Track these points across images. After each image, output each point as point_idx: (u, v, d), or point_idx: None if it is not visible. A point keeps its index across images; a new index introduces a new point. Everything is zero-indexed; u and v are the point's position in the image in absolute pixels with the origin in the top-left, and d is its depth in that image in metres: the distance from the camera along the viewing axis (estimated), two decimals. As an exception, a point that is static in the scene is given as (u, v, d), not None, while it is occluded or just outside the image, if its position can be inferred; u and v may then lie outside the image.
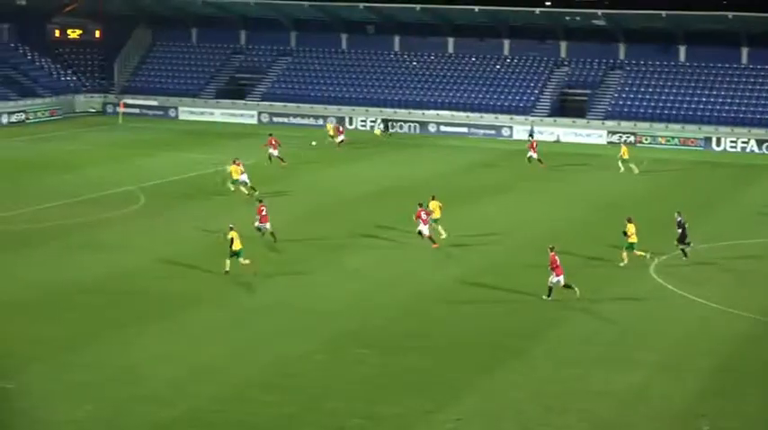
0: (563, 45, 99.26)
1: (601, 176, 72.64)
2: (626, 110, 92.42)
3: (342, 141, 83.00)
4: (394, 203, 60.36)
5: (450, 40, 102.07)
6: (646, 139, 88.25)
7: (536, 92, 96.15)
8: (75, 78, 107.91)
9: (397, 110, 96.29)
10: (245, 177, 61.93)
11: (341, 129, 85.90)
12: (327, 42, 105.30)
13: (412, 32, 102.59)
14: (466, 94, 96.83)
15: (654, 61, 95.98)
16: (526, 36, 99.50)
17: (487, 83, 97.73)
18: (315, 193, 63.78)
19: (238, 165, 62.30)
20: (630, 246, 47.76)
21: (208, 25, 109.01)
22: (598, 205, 62.05)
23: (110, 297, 42.46)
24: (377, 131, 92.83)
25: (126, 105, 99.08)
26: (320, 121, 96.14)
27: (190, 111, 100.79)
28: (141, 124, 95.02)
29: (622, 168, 73.19)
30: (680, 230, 49.03)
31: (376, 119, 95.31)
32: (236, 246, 45.32)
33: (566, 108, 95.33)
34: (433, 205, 52.44)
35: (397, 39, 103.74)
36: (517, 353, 36.87)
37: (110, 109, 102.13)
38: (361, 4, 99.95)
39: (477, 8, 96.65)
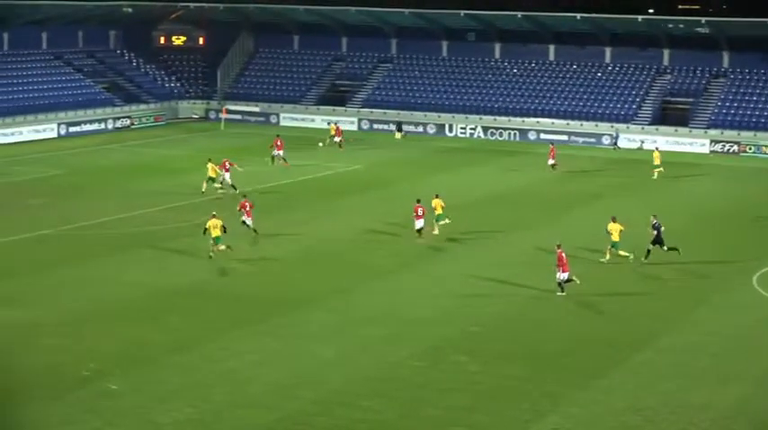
0: (665, 53, 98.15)
1: (702, 186, 71.74)
2: (729, 119, 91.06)
3: (341, 141, 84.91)
4: (494, 211, 60.27)
5: (552, 48, 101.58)
6: (750, 148, 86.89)
7: (637, 100, 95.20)
8: (178, 85, 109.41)
9: (497, 117, 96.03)
10: (227, 176, 64.05)
11: (340, 129, 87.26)
12: (428, 49, 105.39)
13: (513, 39, 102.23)
14: (566, 102, 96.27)
15: (759, 69, 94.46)
16: (628, 44, 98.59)
17: (588, 90, 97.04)
18: (422, 200, 63.73)
19: (223, 166, 64.40)
20: (614, 245, 48.50)
21: (310, 32, 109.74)
22: (699, 215, 61.20)
23: (211, 301, 42.94)
24: (397, 135, 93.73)
25: (228, 111, 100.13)
26: (420, 128, 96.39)
27: (291, 118, 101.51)
28: (243, 130, 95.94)
29: (655, 174, 73.07)
30: (655, 232, 49.12)
31: (397, 122, 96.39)
32: (215, 233, 48.26)
33: (667, 116, 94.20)
34: (435, 203, 54.08)
35: (497, 46, 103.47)
36: (617, 362, 36.53)
37: (212, 115, 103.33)
38: (462, 12, 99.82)
39: (578, 15, 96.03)
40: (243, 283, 45.62)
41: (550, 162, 75.34)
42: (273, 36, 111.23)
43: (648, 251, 49.29)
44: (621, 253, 48.66)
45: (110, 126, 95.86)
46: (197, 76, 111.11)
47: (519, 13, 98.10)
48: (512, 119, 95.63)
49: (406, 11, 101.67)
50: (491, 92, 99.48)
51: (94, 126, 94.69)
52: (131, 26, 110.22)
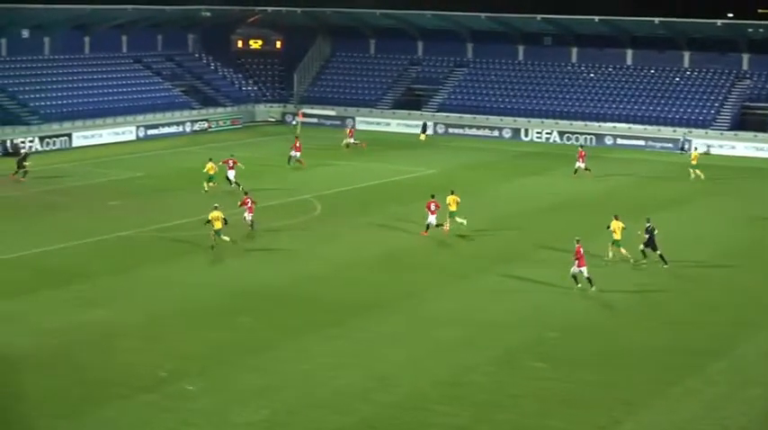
0: (745, 57, 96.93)
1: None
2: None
3: (352, 143, 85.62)
4: (570, 217, 59.91)
5: (629, 52, 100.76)
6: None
7: (716, 105, 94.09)
8: (255, 88, 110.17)
9: (573, 122, 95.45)
10: (232, 174, 66.36)
11: (351, 131, 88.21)
12: (504, 54, 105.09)
13: (589, 44, 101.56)
14: (644, 107, 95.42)
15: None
16: (707, 48, 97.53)
17: (666, 95, 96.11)
18: (493, 205, 63.64)
19: (226, 163, 66.99)
20: (615, 243, 49.23)
21: (386, 36, 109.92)
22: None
23: (287, 303, 43.11)
24: (422, 137, 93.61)
25: (304, 115, 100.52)
26: (495, 132, 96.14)
27: (366, 122, 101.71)
28: (319, 134, 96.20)
29: (692, 175, 72.96)
30: (647, 236, 49.19)
31: (423, 123, 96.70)
32: (217, 225, 50.27)
33: (747, 122, 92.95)
34: (451, 199, 55.27)
35: (574, 50, 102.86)
36: (695, 369, 36.08)
37: (289, 118, 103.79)
38: (539, 16, 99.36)
39: (656, 20, 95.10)
40: (317, 286, 45.73)
41: (580, 165, 74.58)
42: (350, 40, 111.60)
43: (643, 253, 49.39)
44: (623, 251, 49.26)
45: (187, 129, 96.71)
46: (274, 80, 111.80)
47: (596, 17, 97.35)
48: (588, 123, 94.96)
49: (483, 15, 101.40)
50: (567, 96, 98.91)
51: (172, 129, 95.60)
52: (210, 30, 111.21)
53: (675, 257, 49.55)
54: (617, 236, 49.45)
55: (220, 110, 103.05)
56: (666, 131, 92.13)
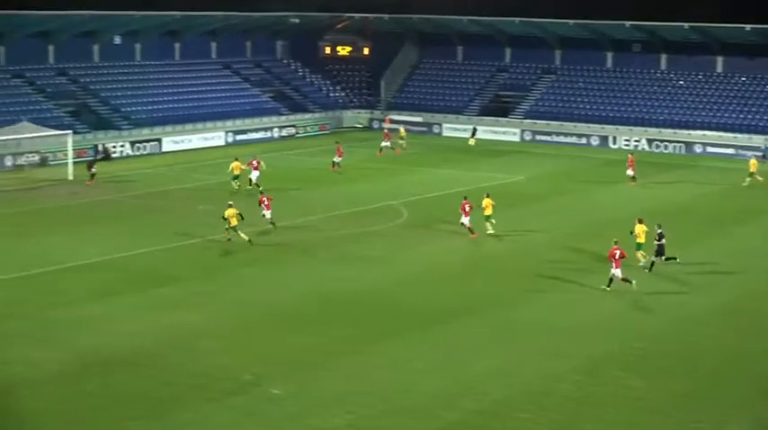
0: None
1: None
2: None
3: (387, 148, 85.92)
4: (665, 226, 59.36)
5: (719, 59, 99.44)
6: None
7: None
8: (343, 94, 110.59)
9: (662, 129, 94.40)
10: (255, 175, 67.96)
11: (387, 133, 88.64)
12: (592, 60, 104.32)
13: (679, 51, 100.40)
14: (734, 115, 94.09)
15: None
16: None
17: (758, 103, 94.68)
18: (579, 212, 63.25)
19: (251, 164, 68.82)
20: (639, 246, 49.11)
21: (473, 43, 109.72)
22: None
23: (373, 309, 43.14)
24: (471, 141, 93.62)
25: (391, 121, 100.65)
26: (583, 140, 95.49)
27: (453, 128, 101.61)
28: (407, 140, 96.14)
29: (747, 182, 72.49)
30: (657, 242, 48.85)
31: (473, 127, 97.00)
32: (233, 222, 52.33)
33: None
34: (486, 202, 55.98)
35: (663, 57, 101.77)
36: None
37: (376, 124, 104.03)
38: (628, 23, 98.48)
39: (748, 27, 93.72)
40: (403, 292, 45.70)
41: (629, 173, 73.77)
42: (437, 46, 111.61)
43: (652, 263, 48.95)
44: (641, 254, 49.13)
45: (275, 134, 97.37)
46: (361, 86, 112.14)
47: (686, 24, 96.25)
48: (677, 131, 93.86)
49: (571, 21, 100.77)
50: (656, 104, 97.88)
51: (260, 134, 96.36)
52: (298, 37, 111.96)
53: (754, 268, 48.79)
54: (640, 239, 49.49)
55: (308, 116, 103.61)
56: (758, 140, 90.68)
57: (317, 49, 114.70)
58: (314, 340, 38.90)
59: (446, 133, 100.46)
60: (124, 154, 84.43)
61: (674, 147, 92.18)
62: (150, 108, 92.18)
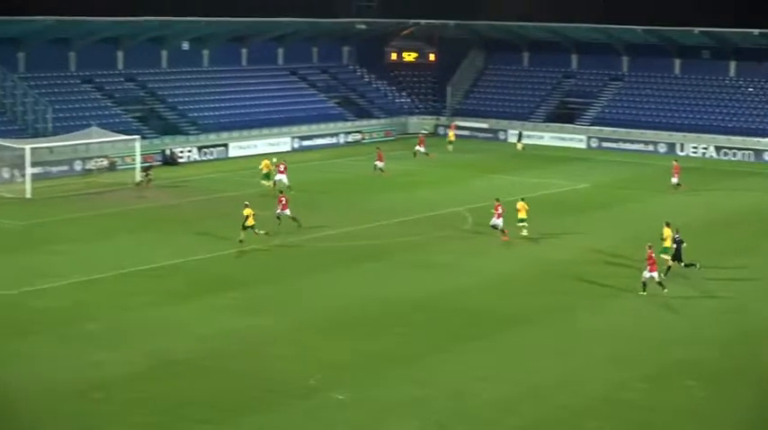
0: None
1: None
2: None
3: (422, 152, 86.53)
4: (725, 233, 58.89)
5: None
6: None
7: None
8: (408, 100, 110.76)
9: (731, 137, 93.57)
10: (283, 177, 69.23)
11: (422, 139, 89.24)
12: (660, 67, 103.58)
13: (749, 57, 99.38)
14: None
15: None
16: None
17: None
18: (646, 220, 62.84)
19: (278, 166, 70.22)
20: (665, 250, 49.07)
21: (540, 49, 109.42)
22: None
23: (437, 315, 43.23)
24: (518, 146, 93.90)
25: (457, 127, 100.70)
26: (650, 147, 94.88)
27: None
28: (471, 146, 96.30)
29: None
30: (675, 246, 48.99)
31: (518, 131, 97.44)
32: (249, 221, 53.48)
33: None
34: (520, 206, 57.12)
35: (732, 64, 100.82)
36: None
37: (441, 131, 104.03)
38: (697, 29, 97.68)
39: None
40: (468, 298, 45.75)
41: (674, 181, 73.22)
42: (503, 52, 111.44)
43: (668, 267, 48.73)
44: (667, 257, 48.88)
45: (341, 140, 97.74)
46: (427, 92, 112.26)
47: (756, 31, 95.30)
48: (746, 139, 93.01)
49: (639, 28, 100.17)
50: (725, 111, 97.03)
51: (326, 140, 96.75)
52: (364, 42, 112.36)
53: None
54: (667, 243, 49.46)
55: (374, 121, 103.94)
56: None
57: (384, 54, 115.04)
58: (379, 346, 39.09)
59: (512, 139, 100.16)
60: (191, 159, 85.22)
61: (743, 154, 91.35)
62: (217, 113, 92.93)
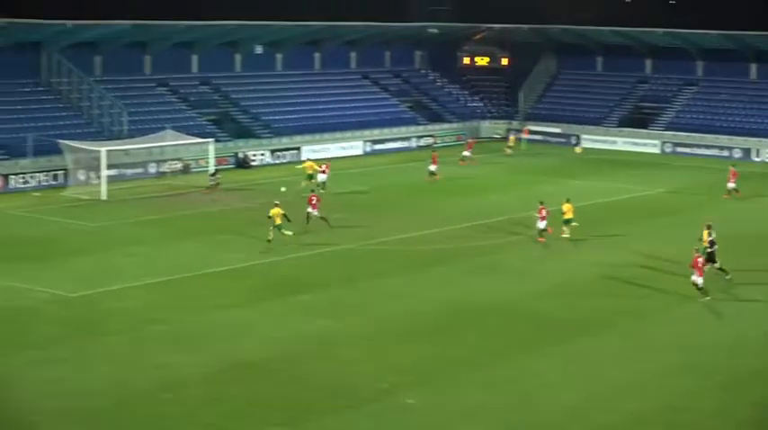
0: None
1: None
2: None
3: (468, 157, 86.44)
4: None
5: None
6: None
7: None
8: (481, 104, 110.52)
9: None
10: (324, 177, 71.23)
11: (471, 144, 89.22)
12: (735, 72, 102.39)
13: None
14: None
15: None
16: None
17: None
18: (721, 226, 62.20)
19: (321, 167, 72.29)
20: (703, 252, 48.49)
21: (614, 54, 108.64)
22: None
23: (509, 320, 43.07)
24: (577, 149, 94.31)
25: (529, 132, 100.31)
26: (725, 152, 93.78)
27: (592, 139, 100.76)
28: (544, 151, 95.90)
29: None
30: (709, 250, 48.75)
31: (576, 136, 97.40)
32: (277, 221, 54.03)
33: None
34: (566, 207, 57.90)
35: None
36: None
37: (513, 135, 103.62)
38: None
39: None
40: (539, 304, 45.49)
41: (730, 185, 72.24)
42: (577, 57, 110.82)
43: (720, 269, 48.53)
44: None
45: (413, 144, 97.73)
46: (499, 97, 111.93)
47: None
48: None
49: (714, 32, 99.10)
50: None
51: (398, 144, 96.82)
52: (437, 47, 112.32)
53: None
54: (706, 245, 49.42)
55: (446, 125, 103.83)
56: None
57: (456, 59, 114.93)
58: (448, 351, 38.98)
59: (584, 144, 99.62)
60: (264, 162, 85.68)
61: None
62: (290, 117, 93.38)
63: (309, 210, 59.14)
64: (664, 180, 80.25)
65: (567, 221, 57.75)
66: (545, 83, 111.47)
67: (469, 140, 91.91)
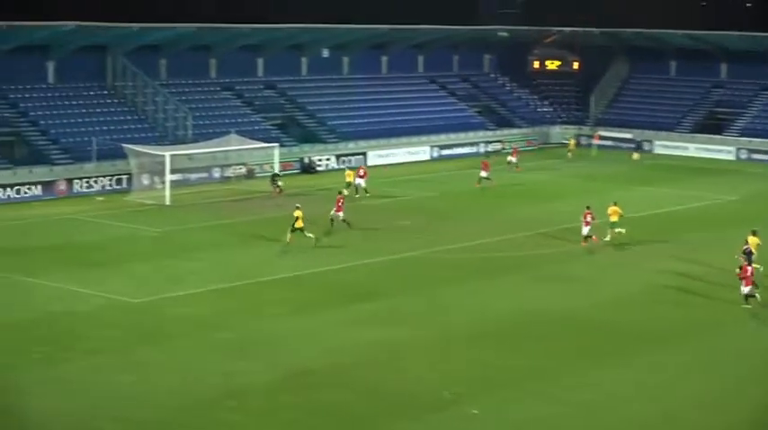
0: None
1: None
2: None
3: (513, 162, 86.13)
4: None
5: None
6: None
7: None
8: (551, 109, 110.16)
9: None
10: (362, 182, 72.64)
11: (516, 150, 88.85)
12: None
13: None
14: None
15: None
16: None
17: None
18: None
19: (360, 172, 73.83)
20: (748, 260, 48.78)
21: (687, 58, 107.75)
22: None
23: (576, 330, 42.89)
24: (635, 156, 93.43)
25: (600, 137, 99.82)
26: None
27: (664, 145, 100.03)
28: (615, 157, 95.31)
29: None
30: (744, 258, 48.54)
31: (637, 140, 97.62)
32: (299, 224, 55.60)
33: None
34: (612, 210, 58.71)
35: None
36: None
37: (584, 140, 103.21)
38: None
39: None
40: (607, 313, 45.29)
41: None
42: (649, 61, 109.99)
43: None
44: (756, 266, 48.39)
45: (481, 150, 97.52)
46: (569, 101, 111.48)
47: None
48: None
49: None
50: None
51: (466, 149, 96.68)
52: (506, 50, 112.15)
53: None
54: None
55: (515, 131, 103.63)
56: None
57: (526, 63, 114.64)
58: (514, 360, 38.94)
59: (657, 150, 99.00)
60: (329, 167, 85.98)
61: None
62: (356, 122, 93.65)
63: (334, 211, 60.67)
64: (737, 188, 79.48)
65: (613, 225, 58.22)
66: (616, 87, 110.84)
67: (514, 147, 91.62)
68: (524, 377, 37.14)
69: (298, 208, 56.67)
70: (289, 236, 55.99)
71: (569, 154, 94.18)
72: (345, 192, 68.88)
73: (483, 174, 78.07)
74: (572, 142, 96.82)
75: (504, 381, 36.65)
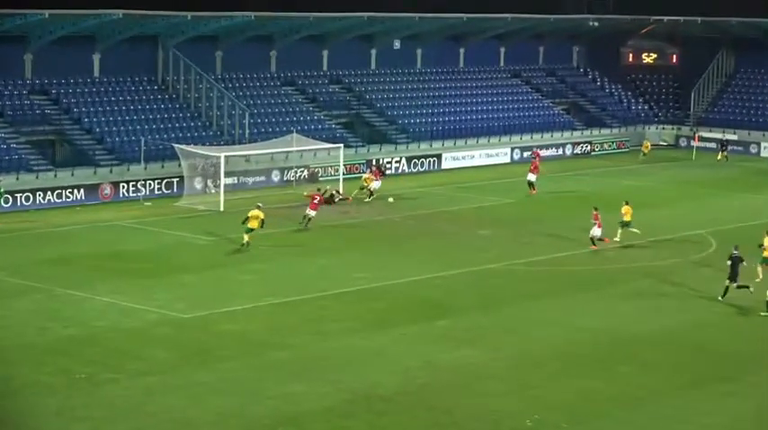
0: None
1: None
2: None
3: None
4: None
5: None
6: None
7: None
8: (646, 107, 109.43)
9: None
10: (378, 184, 73.87)
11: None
12: None
13: None
14: None
15: None
16: None
17: None
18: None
19: (375, 174, 75.30)
20: (764, 260, 50.56)
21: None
22: None
23: (673, 352, 42.59)
24: (719, 156, 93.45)
25: (701, 139, 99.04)
26: None
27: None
28: (718, 161, 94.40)
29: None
30: (730, 264, 49.13)
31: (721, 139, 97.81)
32: (252, 224, 57.69)
33: None
34: (626, 209, 61.03)
35: None
36: None
37: (683, 142, 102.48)
38: None
39: None
40: (708, 334, 44.97)
41: None
42: (758, 54, 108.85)
43: (726, 288, 48.74)
44: (762, 268, 49.52)
45: (568, 152, 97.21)
46: (667, 99, 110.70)
47: None
48: None
49: None
50: None
51: (551, 151, 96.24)
52: (596, 42, 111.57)
53: None
54: (765, 253, 50.97)
55: (605, 131, 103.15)
56: None
57: (619, 55, 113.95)
58: (601, 385, 38.71)
59: (765, 154, 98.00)
60: (400, 171, 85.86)
61: None
62: (430, 120, 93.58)
63: (308, 211, 63.66)
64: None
65: (625, 224, 60.50)
66: (721, 83, 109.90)
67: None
68: (613, 404, 36.90)
69: (258, 207, 58.86)
70: (245, 237, 58.08)
71: (642, 156, 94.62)
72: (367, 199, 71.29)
73: (530, 176, 77.25)
74: (647, 143, 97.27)
75: (590, 409, 36.40)
